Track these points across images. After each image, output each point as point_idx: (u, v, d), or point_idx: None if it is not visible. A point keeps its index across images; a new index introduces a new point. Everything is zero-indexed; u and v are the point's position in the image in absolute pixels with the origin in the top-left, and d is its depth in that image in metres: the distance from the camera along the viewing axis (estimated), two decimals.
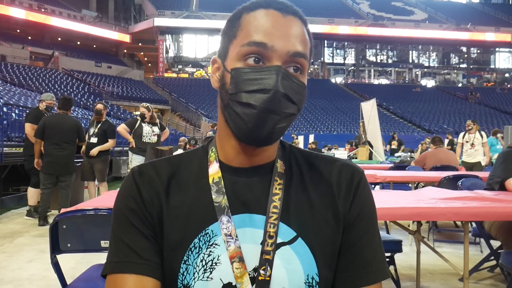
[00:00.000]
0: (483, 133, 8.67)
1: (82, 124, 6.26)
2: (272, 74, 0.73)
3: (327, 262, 0.79)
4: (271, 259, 0.75)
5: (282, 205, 0.79)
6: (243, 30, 0.77)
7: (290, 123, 0.78)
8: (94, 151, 6.11)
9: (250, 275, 0.75)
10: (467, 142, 8.49)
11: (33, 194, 6.02)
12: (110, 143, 6.32)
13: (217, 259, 0.76)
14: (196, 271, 0.75)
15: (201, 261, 0.76)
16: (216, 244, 0.76)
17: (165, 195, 0.80)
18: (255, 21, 0.76)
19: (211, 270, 0.75)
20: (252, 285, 0.75)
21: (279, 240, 0.77)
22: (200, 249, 0.76)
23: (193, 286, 0.75)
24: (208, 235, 0.77)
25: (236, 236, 0.76)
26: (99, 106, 6.40)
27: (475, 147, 8.38)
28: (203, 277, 0.75)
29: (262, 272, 0.75)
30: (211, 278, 0.75)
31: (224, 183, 0.81)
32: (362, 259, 0.81)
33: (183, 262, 0.76)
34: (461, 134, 8.80)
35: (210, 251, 0.76)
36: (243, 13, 0.79)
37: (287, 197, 0.81)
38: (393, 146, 14.86)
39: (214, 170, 0.82)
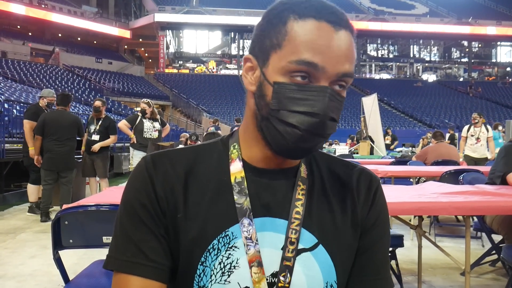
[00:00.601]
0: (488, 126, 8.30)
1: (82, 120, 6.21)
2: (320, 97, 0.71)
3: (346, 270, 0.79)
4: (291, 265, 0.74)
5: (305, 211, 0.77)
6: (291, 43, 0.71)
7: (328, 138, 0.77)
8: (96, 147, 6.10)
9: (268, 280, 0.74)
10: (472, 136, 8.07)
11: (33, 191, 6.03)
12: (111, 139, 6.31)
13: (236, 263, 0.74)
14: (213, 273, 0.73)
15: (220, 263, 0.74)
16: (235, 247, 0.74)
17: (182, 191, 0.77)
18: (306, 36, 0.71)
19: (229, 273, 0.73)
20: None
21: (300, 246, 0.76)
22: (219, 251, 0.74)
23: None
24: (228, 237, 0.75)
25: (257, 240, 0.74)
26: (97, 103, 6.35)
27: (481, 141, 8.00)
28: (220, 280, 0.73)
29: (282, 278, 0.73)
30: (229, 282, 0.73)
31: (247, 183, 0.78)
32: (375, 265, 0.82)
33: (200, 263, 0.74)
34: (466, 128, 8.35)
35: (229, 254, 0.74)
36: (289, 18, 0.73)
37: (309, 202, 0.79)
38: (386, 141, 14.47)
39: (237, 168, 0.79)
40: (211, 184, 0.78)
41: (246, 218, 0.75)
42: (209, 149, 0.83)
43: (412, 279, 3.43)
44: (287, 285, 0.73)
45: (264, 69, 0.75)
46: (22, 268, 3.71)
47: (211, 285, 0.73)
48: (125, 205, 0.78)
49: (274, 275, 0.74)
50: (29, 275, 3.53)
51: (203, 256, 0.74)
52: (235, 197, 0.77)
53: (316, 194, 0.81)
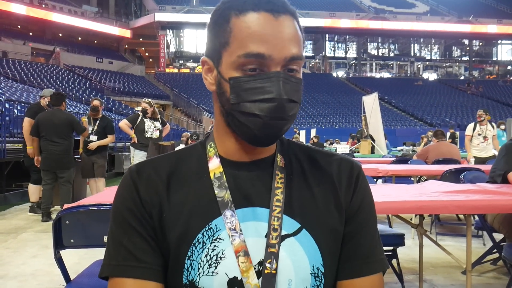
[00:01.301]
0: (493, 124, 7.89)
1: (77, 118, 6.18)
2: (274, 82, 0.74)
3: (331, 252, 0.80)
4: (276, 252, 0.76)
5: (285, 198, 0.79)
6: (236, 38, 0.75)
7: (294, 119, 0.79)
8: (93, 145, 6.07)
9: (256, 269, 0.75)
10: (479, 134, 7.52)
11: (34, 191, 6.04)
12: (109, 139, 6.30)
13: (222, 254, 0.75)
14: (200, 266, 0.75)
15: (206, 256, 0.75)
16: (220, 239, 0.76)
17: (165, 193, 0.80)
18: (248, 29, 0.74)
19: (216, 264, 0.75)
20: (258, 278, 0.75)
21: (283, 232, 0.77)
22: (204, 244, 0.76)
23: (198, 281, 0.75)
24: (212, 230, 0.77)
25: (241, 230, 0.77)
26: (96, 102, 6.32)
27: (488, 140, 7.49)
28: (208, 272, 0.75)
29: (268, 265, 0.75)
30: (216, 273, 0.75)
31: (226, 177, 0.81)
32: (364, 249, 0.82)
33: (187, 257, 0.76)
34: (470, 126, 7.72)
35: (215, 246, 0.76)
36: (231, 15, 0.77)
37: (289, 190, 0.81)
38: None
39: (214, 165, 0.82)
40: (192, 183, 0.81)
41: (228, 210, 0.78)
42: (189, 152, 0.87)
43: (413, 278, 3.43)
44: (273, 271, 0.75)
45: (220, 68, 0.78)
46: (23, 268, 3.71)
47: (200, 278, 0.75)
48: (114, 213, 0.82)
49: (261, 263, 0.76)
50: (30, 275, 3.54)
51: (190, 250, 0.76)
52: (215, 191, 0.79)
53: (296, 182, 0.83)
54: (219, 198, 0.79)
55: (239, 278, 0.74)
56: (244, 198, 0.79)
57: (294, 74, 0.77)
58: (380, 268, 0.83)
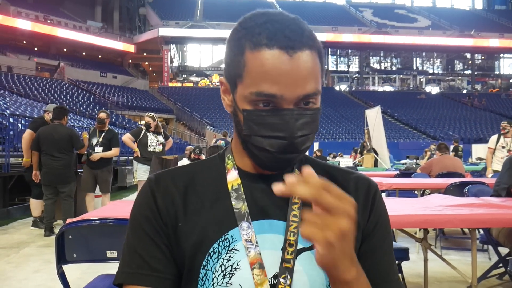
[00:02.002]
0: None
1: (77, 133, 6.17)
2: (285, 120, 0.73)
3: None
4: (291, 267, 0.75)
5: (302, 214, 0.79)
6: (249, 74, 0.74)
7: (308, 150, 0.79)
8: (96, 156, 5.98)
9: (270, 282, 0.75)
10: (503, 147, 7.01)
11: (36, 205, 6.01)
12: (114, 152, 6.22)
13: (237, 265, 0.76)
14: (215, 276, 0.75)
15: (220, 266, 0.76)
16: (235, 250, 0.76)
17: (182, 202, 0.81)
18: (261, 67, 0.73)
19: (231, 275, 0.75)
20: None
21: (300, 246, 0.77)
22: (219, 254, 0.76)
23: None
24: (227, 240, 0.77)
25: (256, 242, 0.77)
26: (102, 115, 6.28)
27: None
28: (222, 283, 0.75)
29: (282, 280, 0.75)
30: (231, 284, 0.75)
31: (243, 189, 0.81)
32: (381, 268, 0.82)
33: (202, 267, 0.76)
34: (493, 138, 7.20)
35: (230, 256, 0.76)
36: (246, 48, 0.74)
37: (307, 204, 0.80)
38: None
39: (233, 177, 0.83)
40: (209, 193, 0.82)
41: (245, 222, 0.78)
42: (207, 163, 0.88)
43: None
44: (287, 287, 0.74)
45: (235, 95, 0.78)
46: (25, 283, 3.69)
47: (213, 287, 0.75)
48: (131, 220, 0.83)
49: (276, 276, 0.75)
50: None
51: (205, 260, 0.77)
52: (233, 202, 0.80)
53: None
54: (236, 209, 0.79)
55: None
56: (261, 210, 0.80)
57: (309, 107, 0.76)
58: None
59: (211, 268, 0.76)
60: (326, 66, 48.74)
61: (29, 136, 5.93)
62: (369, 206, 0.84)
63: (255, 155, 0.78)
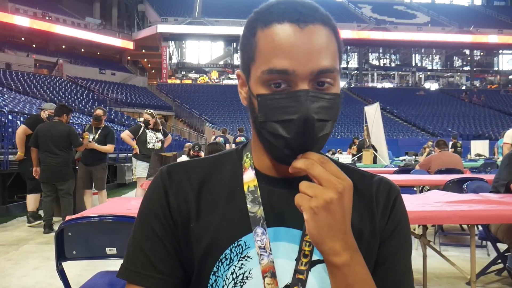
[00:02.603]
0: None
1: (76, 130, 6.17)
2: (299, 101, 0.68)
3: None
4: (304, 279, 0.72)
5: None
6: (260, 53, 0.71)
7: (327, 139, 0.74)
8: (92, 144, 6.01)
9: None
10: None
11: (30, 200, 6.02)
12: (108, 147, 6.25)
13: (249, 273, 0.72)
14: (225, 284, 0.72)
15: (232, 273, 0.73)
16: (248, 257, 0.73)
17: (195, 202, 0.77)
18: (271, 42, 0.70)
19: (242, 284, 0.72)
20: None
21: (314, 257, 0.74)
22: (231, 260, 0.73)
23: None
24: (240, 247, 0.74)
25: (270, 250, 0.73)
26: (99, 111, 6.34)
27: None
28: None
29: None
30: None
31: (260, 192, 0.77)
32: (395, 277, 0.78)
33: (212, 273, 0.73)
34: (509, 133, 6.76)
35: (242, 264, 0.73)
36: (257, 29, 0.72)
37: None
38: (353, 151, 13.87)
39: (249, 177, 0.78)
40: (224, 193, 0.78)
41: (260, 227, 0.74)
42: (224, 159, 0.83)
43: None
44: None
45: (249, 83, 0.75)
46: (25, 280, 3.70)
47: None
48: (139, 215, 0.80)
49: (288, 286, 0.72)
50: (32, 287, 3.52)
51: (215, 266, 0.73)
52: (248, 206, 0.76)
53: None
54: (251, 213, 0.75)
55: None
56: (277, 217, 0.76)
57: (326, 88, 0.71)
58: None
59: (222, 275, 0.73)
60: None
61: (22, 131, 5.98)
62: (388, 211, 0.80)
63: (272, 146, 0.72)
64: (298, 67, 0.68)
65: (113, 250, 1.75)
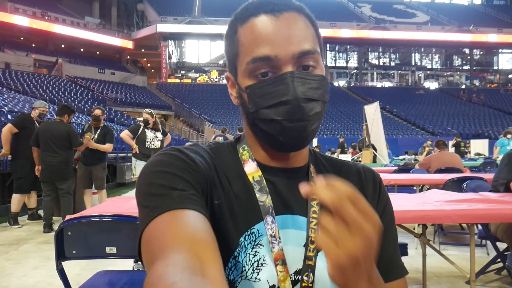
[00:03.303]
0: None
1: (76, 130, 6.17)
2: (285, 83, 0.71)
3: None
4: (313, 264, 0.74)
5: (321, 209, 0.77)
6: (243, 47, 0.75)
7: (321, 120, 0.77)
8: (92, 143, 6.02)
9: (292, 278, 0.74)
10: None
11: (13, 200, 5.99)
12: (107, 146, 6.26)
13: (263, 260, 0.73)
14: (245, 270, 0.73)
15: (249, 260, 0.73)
16: (261, 245, 0.74)
17: (216, 177, 0.75)
18: (251, 34, 0.74)
19: (258, 271, 0.73)
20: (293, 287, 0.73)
21: None
22: (246, 248, 0.74)
23: (238, 283, 0.73)
24: (254, 235, 0.75)
25: (279, 238, 0.75)
26: (97, 111, 6.34)
27: None
28: (251, 277, 0.73)
29: (305, 278, 0.74)
30: (259, 279, 0.73)
31: (266, 182, 0.79)
32: (388, 254, 0.82)
33: (233, 257, 0.73)
34: None
35: (256, 251, 0.74)
36: (237, 27, 0.76)
37: None
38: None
39: (252, 168, 0.80)
40: (234, 181, 0.78)
41: (269, 216, 0.75)
42: (221, 149, 0.84)
43: None
44: (310, 285, 0.73)
45: (238, 80, 0.78)
46: (25, 280, 3.70)
47: (241, 280, 0.73)
48: (157, 174, 0.68)
49: (297, 272, 0.74)
50: (32, 287, 3.52)
51: (237, 251, 0.73)
52: (257, 195, 0.77)
53: None
54: (261, 202, 0.76)
55: (276, 287, 0.73)
56: (284, 205, 0.78)
57: (310, 71, 0.74)
58: (405, 273, 0.83)
59: (242, 260, 0.73)
60: (325, 62, 48.59)
61: (7, 129, 5.98)
62: (377, 193, 0.86)
63: (266, 133, 0.75)
64: (279, 51, 0.71)
65: (113, 250, 1.75)
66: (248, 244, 0.74)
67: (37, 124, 6.11)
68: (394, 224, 0.87)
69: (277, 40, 0.72)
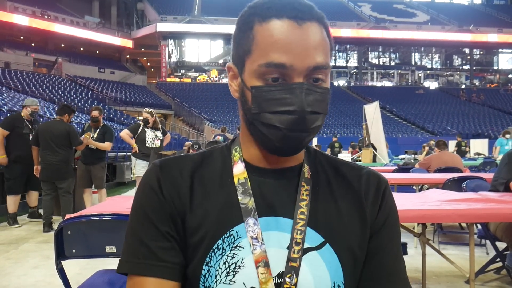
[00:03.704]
0: None
1: (76, 129, 6.16)
2: (296, 94, 0.71)
3: (353, 270, 0.78)
4: (297, 266, 0.73)
5: (310, 211, 0.77)
6: (258, 46, 0.74)
7: (318, 131, 0.77)
8: (91, 141, 6.01)
9: (275, 281, 0.73)
10: None
11: (8, 201, 5.94)
12: (106, 145, 6.24)
13: (241, 262, 0.73)
14: (218, 273, 0.73)
15: (224, 263, 0.74)
16: (240, 247, 0.74)
17: (188, 196, 0.78)
18: (270, 37, 0.72)
19: (234, 273, 0.73)
20: None
21: (306, 245, 0.75)
22: (223, 250, 0.74)
23: None
24: (232, 237, 0.75)
25: (262, 240, 0.74)
26: (95, 113, 6.29)
27: None
28: (225, 281, 0.73)
29: (287, 280, 0.73)
30: (234, 282, 0.73)
31: (250, 184, 0.79)
32: (388, 267, 0.80)
33: (205, 263, 0.74)
34: None
35: (234, 254, 0.74)
36: (255, 23, 0.75)
37: (315, 202, 0.79)
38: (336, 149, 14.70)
39: (239, 170, 0.80)
40: (215, 186, 0.80)
41: (251, 218, 0.75)
42: (214, 153, 0.85)
43: (416, 287, 3.41)
44: (293, 287, 0.73)
45: (243, 75, 0.77)
46: (25, 279, 3.70)
47: (216, 285, 0.73)
48: (135, 209, 0.80)
49: (281, 275, 0.73)
50: (31, 286, 3.52)
51: (208, 256, 0.74)
52: (239, 197, 0.77)
53: (321, 194, 0.80)
54: (243, 204, 0.76)
55: None
56: (267, 207, 0.77)
57: (319, 84, 0.75)
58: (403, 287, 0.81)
59: (215, 265, 0.74)
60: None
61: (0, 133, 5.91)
62: (378, 202, 0.83)
63: (264, 136, 0.75)
64: (296, 62, 0.71)
65: (113, 249, 1.75)
66: (226, 246, 0.74)
67: (27, 123, 6.05)
68: (398, 236, 0.84)
69: (296, 50, 0.72)
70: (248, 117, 0.77)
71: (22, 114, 6.16)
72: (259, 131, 0.75)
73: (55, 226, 5.43)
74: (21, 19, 34.43)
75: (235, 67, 0.80)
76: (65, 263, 1.82)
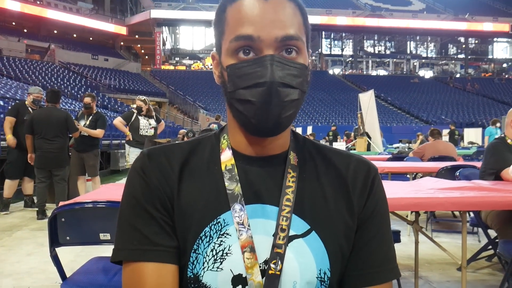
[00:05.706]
0: None
1: (72, 116, 6.11)
2: (264, 65, 0.71)
3: (339, 257, 0.78)
4: (282, 253, 0.73)
5: (296, 198, 0.77)
6: (229, 25, 0.75)
7: (298, 109, 0.76)
8: (82, 128, 5.99)
9: (261, 267, 0.73)
10: None
11: (5, 185, 5.99)
12: (98, 132, 6.18)
13: (228, 249, 0.74)
14: (206, 260, 0.74)
15: (212, 250, 0.74)
16: (227, 234, 0.74)
17: (176, 184, 0.78)
18: (238, 14, 0.74)
19: (222, 260, 0.73)
20: (262, 277, 0.73)
21: (291, 233, 0.75)
22: (211, 238, 0.74)
23: (202, 276, 0.73)
24: (219, 224, 0.75)
25: (249, 226, 0.74)
26: (87, 99, 6.25)
27: None
28: (213, 267, 0.73)
29: (272, 266, 0.73)
30: (221, 269, 0.73)
31: (238, 171, 0.79)
32: (375, 257, 0.80)
33: (193, 251, 0.75)
34: None
35: (221, 241, 0.74)
36: (226, 6, 0.77)
37: (301, 189, 0.79)
38: (331, 137, 14.96)
39: (226, 157, 0.80)
40: (203, 174, 0.80)
41: (238, 204, 0.76)
42: (203, 142, 0.85)
43: (409, 274, 3.44)
44: (278, 273, 0.73)
45: (221, 58, 0.78)
46: (18, 266, 3.70)
47: (204, 272, 0.73)
48: (126, 197, 0.80)
49: (266, 262, 0.74)
50: (25, 273, 3.52)
51: (196, 243, 0.75)
52: (226, 183, 0.78)
53: (308, 182, 0.80)
54: (229, 190, 0.77)
55: (243, 276, 0.73)
56: (254, 194, 0.77)
57: (293, 58, 0.74)
58: (392, 277, 0.80)
59: (202, 252, 0.74)
60: (320, 50, 48.48)
61: (7, 123, 5.92)
62: (367, 190, 0.81)
63: (241, 114, 0.75)
64: (263, 33, 0.72)
65: (107, 236, 1.75)
66: (214, 234, 0.75)
67: (30, 111, 6.03)
68: (387, 226, 0.83)
69: (262, 22, 0.73)
70: (228, 98, 0.77)
71: (26, 102, 6.19)
72: (237, 110, 0.76)
73: (49, 214, 5.43)
74: (13, 5, 33.96)
75: (217, 54, 0.81)
76: (59, 250, 1.81)
